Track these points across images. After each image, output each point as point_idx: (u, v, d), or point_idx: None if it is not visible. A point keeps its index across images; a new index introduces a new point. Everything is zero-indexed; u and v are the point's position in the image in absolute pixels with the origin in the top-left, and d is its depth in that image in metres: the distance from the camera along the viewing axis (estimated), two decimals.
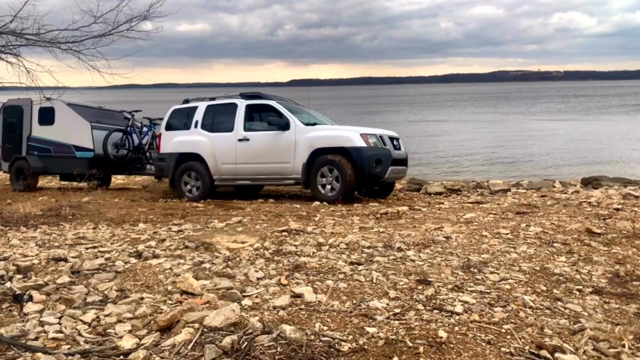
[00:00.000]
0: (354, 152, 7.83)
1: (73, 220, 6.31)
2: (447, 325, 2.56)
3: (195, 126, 9.13)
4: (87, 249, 4.54)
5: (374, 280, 3.35)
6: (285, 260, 3.96)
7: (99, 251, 4.42)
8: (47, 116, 11.24)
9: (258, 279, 3.44)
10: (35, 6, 9.93)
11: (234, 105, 8.96)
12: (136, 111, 11.76)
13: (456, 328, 2.52)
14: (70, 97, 11.44)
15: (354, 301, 2.94)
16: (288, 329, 2.39)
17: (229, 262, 3.93)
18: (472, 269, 3.61)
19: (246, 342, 2.29)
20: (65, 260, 4.03)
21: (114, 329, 2.55)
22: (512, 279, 3.40)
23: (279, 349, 2.24)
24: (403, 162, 8.73)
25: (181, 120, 9.43)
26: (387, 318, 2.66)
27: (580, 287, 3.27)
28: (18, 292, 3.13)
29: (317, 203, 7.76)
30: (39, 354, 2.24)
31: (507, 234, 4.88)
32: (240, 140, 8.64)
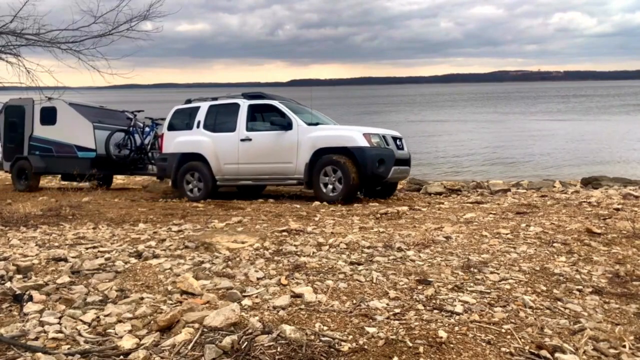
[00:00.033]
0: (356, 152, 7.81)
1: (73, 220, 6.31)
2: (447, 325, 2.56)
3: (198, 126, 9.12)
4: (87, 249, 4.54)
5: (374, 280, 3.35)
6: (285, 260, 3.96)
7: (99, 251, 4.42)
8: (49, 116, 11.22)
9: (258, 279, 3.44)
10: (35, 6, 9.94)
11: (237, 105, 8.95)
12: (139, 111, 11.75)
13: (456, 328, 2.52)
14: (70, 97, 11.44)
15: (354, 301, 2.94)
16: (288, 329, 2.39)
17: (229, 262, 3.93)
18: (472, 269, 3.61)
19: (246, 342, 2.30)
20: (65, 260, 4.03)
21: (114, 329, 2.55)
22: (512, 279, 3.40)
23: (279, 349, 2.24)
24: (406, 162, 8.69)
25: (183, 120, 9.43)
26: (387, 318, 2.66)
27: (580, 287, 3.27)
28: (18, 292, 3.13)
29: (317, 203, 7.76)
30: (39, 354, 2.24)
31: (507, 234, 4.88)
32: (242, 140, 8.64)
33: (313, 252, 4.20)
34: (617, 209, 6.19)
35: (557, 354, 2.24)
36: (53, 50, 8.55)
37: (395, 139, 8.46)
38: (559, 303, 2.96)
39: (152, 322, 2.64)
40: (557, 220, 5.61)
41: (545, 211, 6.39)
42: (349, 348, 2.29)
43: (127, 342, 2.37)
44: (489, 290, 3.14)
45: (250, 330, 2.43)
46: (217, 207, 7.72)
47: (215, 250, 4.31)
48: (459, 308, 2.79)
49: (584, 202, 7.06)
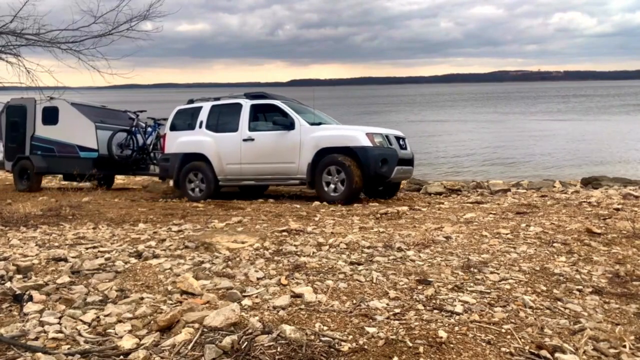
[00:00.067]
0: (359, 151, 7.80)
1: (73, 220, 6.31)
2: (447, 325, 2.56)
3: (200, 126, 9.12)
4: (87, 249, 4.54)
5: (374, 280, 3.35)
6: (285, 260, 3.96)
7: (99, 251, 4.42)
8: (51, 116, 11.22)
9: (258, 279, 3.44)
10: (35, 6, 9.96)
11: (239, 105, 8.95)
12: (141, 111, 11.74)
13: (456, 328, 2.52)
14: (70, 97, 11.44)
15: (354, 301, 2.94)
16: (288, 329, 2.39)
17: (229, 262, 3.93)
18: (472, 269, 3.61)
19: (246, 342, 2.30)
20: (65, 260, 4.03)
21: (114, 329, 2.55)
22: (512, 279, 3.40)
23: (279, 349, 2.24)
24: (409, 161, 8.67)
25: (186, 120, 9.43)
26: (387, 318, 2.66)
27: (580, 287, 3.27)
28: (18, 292, 3.13)
29: (317, 203, 7.76)
30: (39, 354, 2.24)
31: (507, 234, 4.88)
32: (245, 140, 8.63)
33: (313, 252, 4.20)
34: (617, 209, 6.19)
35: (557, 354, 2.24)
36: (53, 50, 8.56)
37: (398, 138, 8.45)
38: (559, 303, 2.96)
39: (152, 322, 2.64)
40: (557, 220, 5.61)
41: (545, 211, 6.39)
42: (349, 348, 2.29)
43: (127, 342, 2.37)
44: (489, 290, 3.14)
45: (250, 330, 2.43)
46: (217, 207, 7.72)
47: (215, 250, 4.31)
48: (459, 308, 2.79)
49: (584, 202, 7.06)
